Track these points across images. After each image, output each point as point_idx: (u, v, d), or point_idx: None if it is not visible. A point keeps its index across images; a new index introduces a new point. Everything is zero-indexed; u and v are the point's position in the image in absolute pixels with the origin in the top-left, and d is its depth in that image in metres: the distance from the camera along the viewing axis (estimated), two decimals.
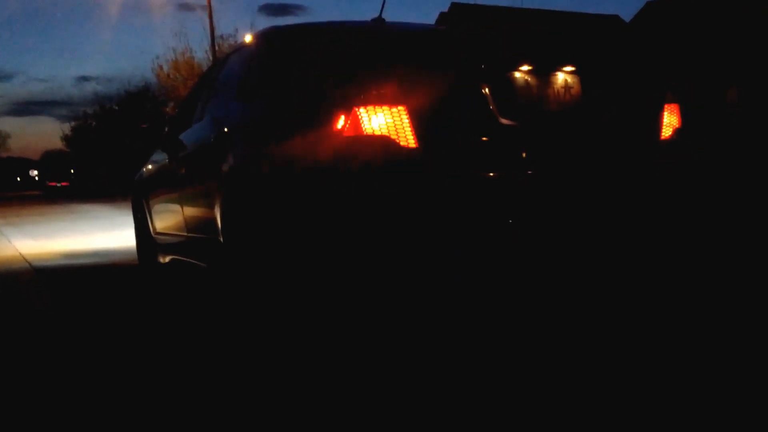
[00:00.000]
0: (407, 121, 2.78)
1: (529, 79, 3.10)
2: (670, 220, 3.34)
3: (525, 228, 2.99)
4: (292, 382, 2.85)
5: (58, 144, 76.00)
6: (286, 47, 3.82)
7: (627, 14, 54.01)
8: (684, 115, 3.49)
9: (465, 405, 2.58)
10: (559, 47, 3.51)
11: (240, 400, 2.67)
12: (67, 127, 79.80)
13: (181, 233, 4.68)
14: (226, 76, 4.44)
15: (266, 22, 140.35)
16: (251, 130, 3.58)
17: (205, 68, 29.56)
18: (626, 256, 3.32)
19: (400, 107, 2.78)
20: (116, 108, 50.08)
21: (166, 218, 5.06)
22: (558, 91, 3.16)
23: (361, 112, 2.77)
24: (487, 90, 2.94)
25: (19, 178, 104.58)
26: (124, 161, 47.12)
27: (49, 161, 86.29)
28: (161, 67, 31.42)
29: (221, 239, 3.69)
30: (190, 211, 4.37)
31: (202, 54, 30.99)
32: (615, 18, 28.08)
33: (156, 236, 5.46)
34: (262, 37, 4.16)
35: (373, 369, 2.98)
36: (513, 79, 3.07)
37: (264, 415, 2.52)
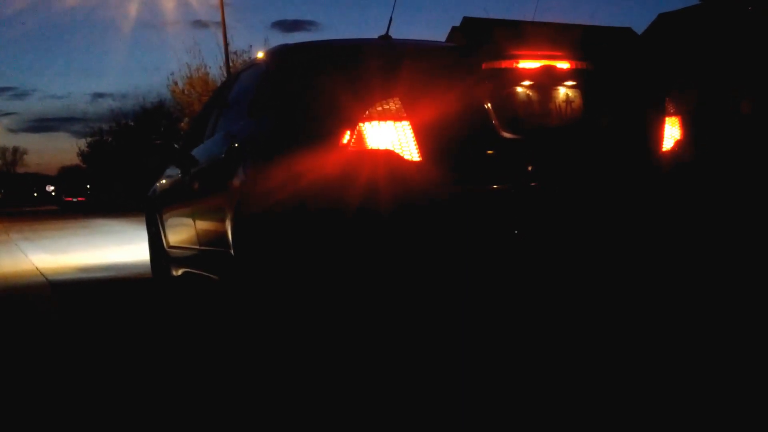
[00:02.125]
0: (411, 135, 2.85)
1: (531, 94, 3.16)
2: (671, 228, 3.37)
3: (529, 238, 3.05)
4: (299, 388, 2.89)
5: (74, 160, 76.54)
6: (295, 64, 3.95)
7: (639, 26, 53.98)
8: (687, 127, 3.49)
9: (466, 405, 2.61)
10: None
11: (248, 404, 2.73)
12: (83, 143, 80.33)
13: (193, 246, 4.75)
14: (237, 93, 4.57)
15: (280, 38, 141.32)
16: (261, 145, 3.65)
17: (219, 84, 29.84)
18: (626, 266, 3.34)
19: (404, 122, 2.85)
20: (132, 124, 50.49)
21: (179, 232, 5.14)
22: (560, 105, 3.21)
23: (366, 127, 2.85)
24: (489, 105, 3.01)
25: (36, 194, 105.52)
26: (140, 177, 47.49)
27: (65, 177, 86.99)
28: (176, 83, 31.66)
29: (232, 252, 3.76)
30: (202, 224, 4.46)
31: (216, 70, 31.22)
32: (627, 30, 28.06)
33: (169, 250, 5.55)
34: (272, 54, 4.30)
35: (378, 373, 3.03)
36: (515, 94, 3.14)
37: (269, 419, 2.57)
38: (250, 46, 45.16)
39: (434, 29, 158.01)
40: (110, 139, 54.90)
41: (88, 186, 64.12)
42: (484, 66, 3.16)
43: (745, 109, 17.17)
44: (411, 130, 2.86)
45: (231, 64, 25.76)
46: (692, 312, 3.77)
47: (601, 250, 3.22)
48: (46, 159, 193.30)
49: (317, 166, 2.96)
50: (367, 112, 2.87)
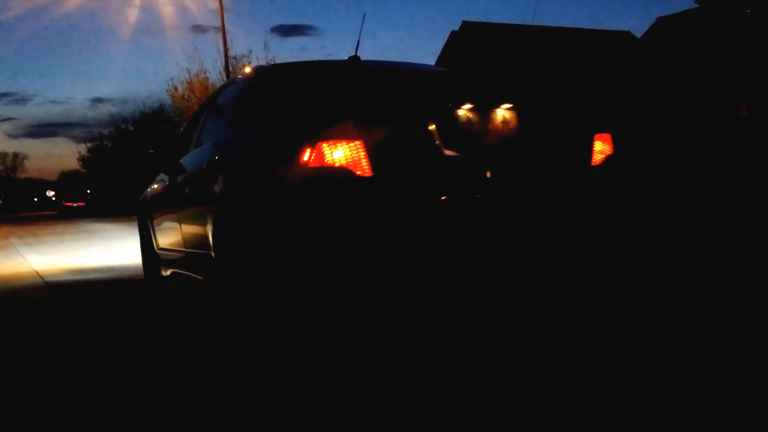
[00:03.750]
0: (363, 153, 3.23)
1: (471, 116, 3.55)
2: (598, 231, 3.80)
3: (469, 242, 3.45)
4: (280, 383, 3.06)
5: (74, 165, 76.63)
6: (267, 86, 4.35)
7: (638, 30, 54.06)
8: (616, 143, 3.94)
9: (450, 407, 2.65)
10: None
11: (229, 395, 2.89)
12: (83, 148, 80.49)
13: (180, 249, 5.11)
14: (219, 107, 4.98)
15: (279, 42, 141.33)
16: (237, 158, 4.07)
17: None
18: (560, 265, 3.77)
19: (357, 142, 3.23)
20: (132, 129, 50.53)
21: (167, 235, 5.49)
22: (497, 125, 3.61)
23: (324, 146, 3.23)
24: (433, 126, 3.39)
25: (36, 199, 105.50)
26: (139, 182, 47.52)
27: (65, 182, 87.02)
28: (176, 88, 31.62)
29: (213, 255, 4.14)
30: (188, 228, 4.80)
31: (216, 75, 31.24)
32: (626, 34, 28.12)
33: (159, 252, 5.89)
34: (249, 75, 4.83)
35: (362, 371, 3.14)
36: (456, 116, 3.53)
37: (250, 408, 2.71)
38: (250, 51, 45.13)
39: (434, 33, 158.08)
40: (110, 144, 54.94)
41: (89, 191, 64.15)
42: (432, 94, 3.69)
43: (742, 111, 17.21)
44: (362, 150, 3.23)
45: (231, 68, 25.78)
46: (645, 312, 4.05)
47: (535, 250, 3.63)
48: (46, 164, 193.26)
49: (284, 179, 3.38)
50: (324, 134, 3.25)
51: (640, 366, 3.11)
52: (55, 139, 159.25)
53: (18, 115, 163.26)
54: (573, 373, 3.08)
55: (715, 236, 7.58)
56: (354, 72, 4.51)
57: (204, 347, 3.88)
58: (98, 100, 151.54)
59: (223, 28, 23.90)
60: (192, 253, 4.76)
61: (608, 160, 3.86)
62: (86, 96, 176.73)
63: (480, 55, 23.46)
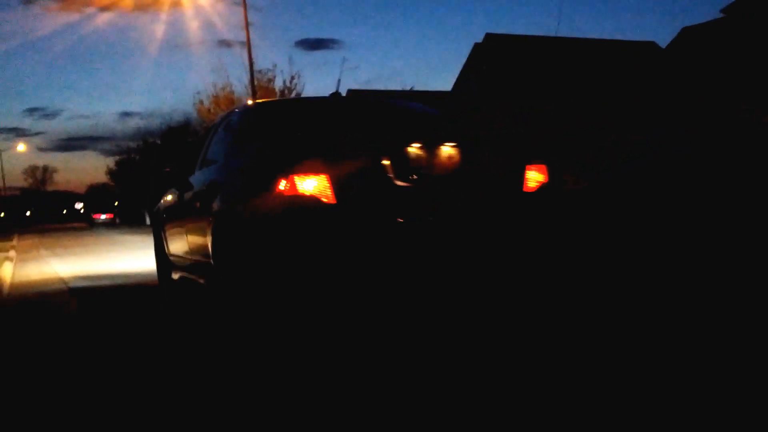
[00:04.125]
0: (328, 184, 3.96)
1: (420, 152, 4.25)
2: (529, 244, 4.42)
3: (414, 255, 4.16)
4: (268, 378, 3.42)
5: (102, 178, 77.74)
6: (256, 121, 5.20)
7: (663, 40, 53.65)
8: (552, 172, 4.59)
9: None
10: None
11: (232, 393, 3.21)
12: (111, 162, 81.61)
13: (186, 256, 5.81)
14: (220, 135, 5.65)
15: (303, 56, 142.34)
16: (231, 182, 4.80)
17: (244, 102, 30.14)
18: (496, 277, 4.44)
19: (323, 175, 3.96)
20: (158, 142, 51.11)
21: (177, 244, 6.13)
22: (442, 159, 4.30)
23: (296, 179, 3.96)
24: (386, 161, 4.09)
25: (65, 211, 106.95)
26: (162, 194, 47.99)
27: (94, 194, 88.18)
28: (202, 102, 31.90)
29: (212, 262, 4.79)
30: (192, 239, 5.47)
31: (241, 89, 31.54)
32: (651, 45, 27.98)
33: (170, 257, 6.55)
34: (244, 109, 5.73)
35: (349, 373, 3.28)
36: (407, 152, 4.22)
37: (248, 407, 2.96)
38: (275, 65, 45.39)
39: (457, 46, 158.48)
40: (137, 157, 55.52)
41: (116, 203, 64.92)
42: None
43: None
44: (328, 182, 3.96)
45: (256, 82, 26.04)
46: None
47: (473, 265, 4.29)
48: (75, 177, 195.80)
49: (264, 204, 4.08)
50: (297, 168, 3.98)
51: (629, 367, 3.13)
52: (84, 152, 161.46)
53: (48, 130, 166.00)
54: (557, 373, 3.16)
55: (738, 239, 7.55)
56: (326, 112, 5.36)
57: (205, 342, 4.53)
58: (126, 114, 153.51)
59: (248, 43, 24.16)
60: (196, 260, 5.45)
61: (543, 186, 4.49)
62: (114, 110, 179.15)
63: (503, 68, 23.46)
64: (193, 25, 29.73)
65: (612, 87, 20.68)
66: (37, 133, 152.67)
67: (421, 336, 4.23)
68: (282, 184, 3.99)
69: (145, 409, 2.99)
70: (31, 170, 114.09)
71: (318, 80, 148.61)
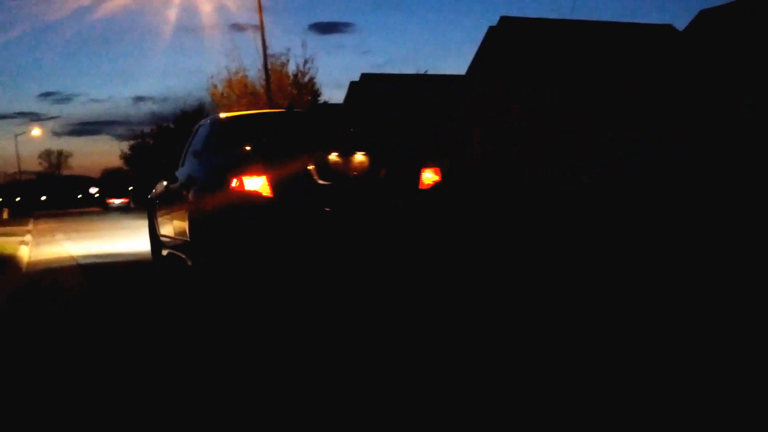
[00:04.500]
0: (267, 184, 5.30)
1: (337, 159, 5.59)
2: (426, 238, 5.79)
3: (331, 237, 5.47)
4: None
5: (117, 162, 78.21)
6: (218, 131, 6.64)
7: (680, 23, 53.09)
8: (444, 173, 6.04)
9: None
10: None
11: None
12: (125, 146, 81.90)
13: (171, 236, 7.08)
14: (196, 139, 7.08)
15: (317, 40, 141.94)
16: (200, 178, 6.20)
17: (258, 87, 30.08)
18: (393, 262, 5.80)
19: (263, 176, 5.30)
20: (172, 126, 51.17)
21: (165, 225, 7.46)
22: (356, 162, 5.66)
23: (243, 179, 5.30)
24: (311, 165, 5.41)
25: (80, 196, 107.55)
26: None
27: (108, 179, 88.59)
28: (215, 86, 31.89)
29: (189, 240, 6.15)
30: (176, 223, 6.76)
31: (255, 72, 31.47)
32: (668, 28, 27.65)
33: (160, 237, 7.86)
34: (212, 120, 7.12)
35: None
36: (327, 158, 5.56)
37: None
38: (288, 49, 45.38)
39: (472, 29, 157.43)
40: (151, 141, 55.65)
41: (131, 188, 65.17)
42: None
43: None
44: (267, 181, 5.30)
45: (269, 66, 25.95)
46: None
47: (374, 248, 5.64)
48: (89, 162, 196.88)
49: (221, 198, 5.42)
50: (245, 171, 5.34)
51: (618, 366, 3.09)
52: (98, 137, 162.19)
53: (62, 114, 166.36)
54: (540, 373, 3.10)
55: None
56: (274, 126, 6.79)
57: (187, 300, 6.05)
58: (140, 99, 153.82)
59: (261, 27, 24.06)
60: (179, 239, 6.73)
61: (436, 184, 5.85)
62: (128, 94, 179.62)
63: (518, 51, 23.26)
64: (207, 9, 29.55)
65: (628, 71, 20.49)
66: (51, 118, 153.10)
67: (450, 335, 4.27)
68: (234, 183, 5.35)
69: (138, 349, 4.17)
70: (47, 155, 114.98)
71: (331, 64, 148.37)
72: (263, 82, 26.86)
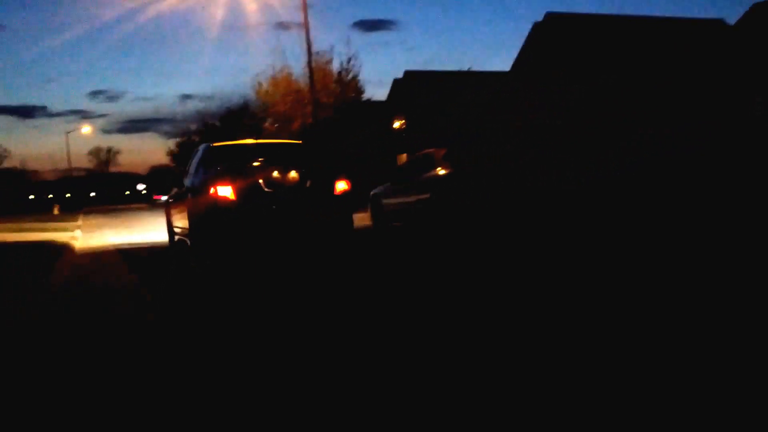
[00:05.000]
0: (232, 191, 8.26)
1: (278, 174, 8.55)
2: (339, 226, 8.97)
3: (270, 224, 8.52)
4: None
5: (164, 159, 79.55)
6: (206, 155, 9.54)
7: (733, 17, 51.78)
8: (352, 182, 9.15)
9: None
10: None
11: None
12: (172, 143, 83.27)
13: (180, 226, 10.43)
14: (195, 158, 10.12)
15: (361, 37, 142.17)
16: (194, 186, 9.19)
17: (302, 84, 30.29)
18: (310, 233, 8.83)
19: (230, 186, 8.27)
20: (217, 124, 51.79)
21: (175, 219, 11.10)
22: (290, 177, 8.60)
23: (218, 187, 8.26)
24: (260, 179, 8.42)
25: (127, 192, 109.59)
26: None
27: (155, 176, 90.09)
28: (260, 84, 32.26)
29: (189, 230, 9.31)
30: (181, 216, 10.10)
31: (299, 70, 31.69)
32: (718, 22, 27.06)
33: (173, 228, 11.35)
34: (202, 147, 10.10)
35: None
36: (272, 174, 8.53)
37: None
38: (332, 46, 45.82)
39: (517, 25, 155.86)
40: (198, 139, 56.30)
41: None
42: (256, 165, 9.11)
43: None
44: (233, 189, 8.26)
45: (313, 64, 26.08)
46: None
47: (299, 237, 8.73)
48: (137, 159, 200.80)
49: (204, 199, 8.42)
50: (218, 182, 8.29)
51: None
52: (146, 134, 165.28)
53: (111, 112, 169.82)
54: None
55: None
56: (240, 150, 9.77)
57: (189, 268, 8.88)
58: (186, 97, 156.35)
59: (306, 25, 24.20)
60: (183, 229, 9.96)
61: (345, 192, 8.93)
62: (175, 93, 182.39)
63: (564, 47, 23.01)
64: (252, 8, 29.83)
65: (674, 68, 20.11)
66: (101, 115, 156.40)
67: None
68: (211, 190, 8.36)
69: (155, 298, 6.54)
70: (96, 152, 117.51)
71: (374, 61, 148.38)
72: (307, 80, 27.03)
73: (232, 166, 8.75)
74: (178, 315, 5.42)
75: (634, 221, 10.93)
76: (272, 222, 8.43)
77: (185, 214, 9.50)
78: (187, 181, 9.91)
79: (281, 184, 8.49)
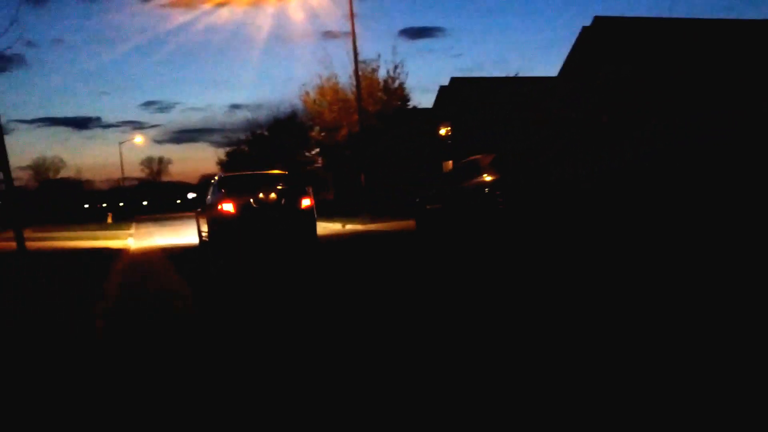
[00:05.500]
0: (233, 208, 12.96)
1: (264, 193, 13.24)
2: (301, 229, 13.65)
3: (254, 228, 13.14)
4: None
5: (213, 168, 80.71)
6: (219, 183, 14.06)
7: None
8: (314, 197, 14.79)
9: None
10: None
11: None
12: (221, 153, 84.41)
13: (203, 230, 14.82)
14: (213, 184, 14.73)
15: (407, 45, 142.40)
16: (210, 204, 13.79)
17: (349, 93, 30.48)
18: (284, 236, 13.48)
19: (231, 203, 13.01)
20: (266, 134, 52.35)
21: (201, 225, 15.35)
22: (271, 197, 13.26)
23: (223, 204, 13.02)
24: (251, 198, 13.03)
25: (178, 201, 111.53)
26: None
27: (205, 185, 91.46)
28: (308, 93, 32.52)
29: (208, 232, 14.01)
30: (203, 223, 14.77)
31: (346, 79, 31.88)
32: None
33: (200, 232, 15.36)
34: (217, 177, 15.13)
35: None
36: (258, 195, 13.18)
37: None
38: (379, 54, 45.83)
39: (564, 29, 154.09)
40: (246, 148, 57.00)
41: None
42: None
43: None
44: (233, 206, 12.94)
45: (360, 72, 26.23)
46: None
47: (275, 236, 13.31)
48: (187, 168, 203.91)
49: (215, 212, 13.24)
50: (223, 201, 13.05)
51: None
52: (196, 144, 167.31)
53: (163, 122, 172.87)
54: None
55: None
56: (241, 179, 14.27)
57: (208, 260, 12.52)
58: (235, 107, 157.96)
59: (353, 34, 24.35)
60: (205, 231, 14.15)
61: (308, 206, 13.42)
62: (224, 103, 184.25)
63: (613, 51, 22.71)
64: (300, 18, 30.22)
65: (725, 70, 19.63)
66: (153, 126, 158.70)
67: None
68: (219, 206, 12.85)
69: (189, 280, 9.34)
70: (148, 161, 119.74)
71: (421, 68, 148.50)
72: (354, 89, 27.20)
73: (232, 190, 13.38)
74: (204, 287, 8.27)
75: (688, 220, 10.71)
76: (258, 227, 12.96)
77: (206, 222, 14.14)
78: (207, 199, 14.52)
79: (265, 202, 13.10)
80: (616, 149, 21.60)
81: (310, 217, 13.42)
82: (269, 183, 13.50)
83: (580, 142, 23.26)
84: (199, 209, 15.86)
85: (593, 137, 22.84)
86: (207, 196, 14.60)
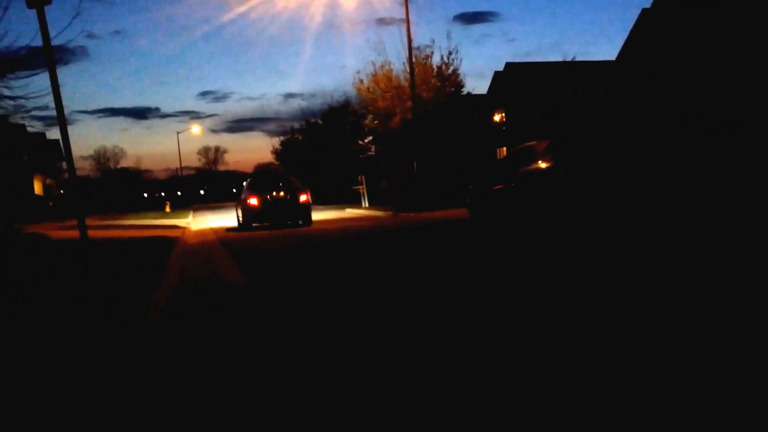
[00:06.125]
0: (257, 201, 20.15)
1: (274, 192, 20.53)
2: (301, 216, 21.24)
3: (267, 209, 20.68)
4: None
5: (268, 157, 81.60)
6: (249, 181, 21.98)
7: None
8: (311, 194, 21.97)
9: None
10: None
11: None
12: (276, 142, 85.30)
13: (238, 215, 22.19)
14: (244, 183, 22.42)
15: (462, 30, 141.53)
16: (242, 198, 21.49)
17: (402, 80, 30.36)
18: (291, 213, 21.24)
19: (256, 198, 20.22)
20: (320, 122, 52.54)
21: (237, 211, 22.57)
22: (280, 194, 20.51)
23: (249, 198, 20.27)
24: (267, 194, 20.41)
25: (234, 190, 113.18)
26: (326, 175, 49.31)
27: (260, 174, 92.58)
28: (361, 81, 32.46)
29: (241, 216, 21.55)
30: (239, 209, 22.25)
31: (399, 66, 31.71)
32: None
33: (237, 216, 22.43)
34: (249, 178, 23.34)
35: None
36: (271, 192, 20.53)
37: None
38: (433, 40, 45.53)
39: (623, 12, 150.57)
40: (300, 137, 57.21)
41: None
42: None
43: None
44: (257, 198, 20.09)
45: (413, 59, 26.05)
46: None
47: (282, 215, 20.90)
48: (243, 157, 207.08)
49: (246, 203, 20.50)
50: (252, 195, 20.30)
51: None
52: (251, 133, 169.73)
53: (219, 112, 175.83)
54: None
55: None
56: (260, 182, 21.63)
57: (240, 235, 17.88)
58: (289, 96, 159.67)
59: (407, 20, 24.20)
60: (239, 216, 21.84)
61: (307, 201, 20.65)
62: (279, 92, 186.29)
63: (675, 33, 22.05)
64: (353, 5, 30.14)
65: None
66: (209, 116, 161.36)
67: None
68: (249, 200, 19.96)
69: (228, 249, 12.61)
70: (204, 151, 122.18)
71: (476, 54, 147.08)
72: (408, 75, 27.03)
73: (255, 189, 20.20)
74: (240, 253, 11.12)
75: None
76: (272, 214, 19.85)
77: (240, 209, 21.11)
78: (241, 195, 21.20)
79: (275, 197, 19.93)
80: (663, 137, 20.97)
81: (306, 207, 20.48)
82: (280, 184, 20.94)
83: (630, 130, 22.62)
84: (236, 201, 23.34)
85: (643, 125, 22.20)
86: (241, 192, 21.90)
